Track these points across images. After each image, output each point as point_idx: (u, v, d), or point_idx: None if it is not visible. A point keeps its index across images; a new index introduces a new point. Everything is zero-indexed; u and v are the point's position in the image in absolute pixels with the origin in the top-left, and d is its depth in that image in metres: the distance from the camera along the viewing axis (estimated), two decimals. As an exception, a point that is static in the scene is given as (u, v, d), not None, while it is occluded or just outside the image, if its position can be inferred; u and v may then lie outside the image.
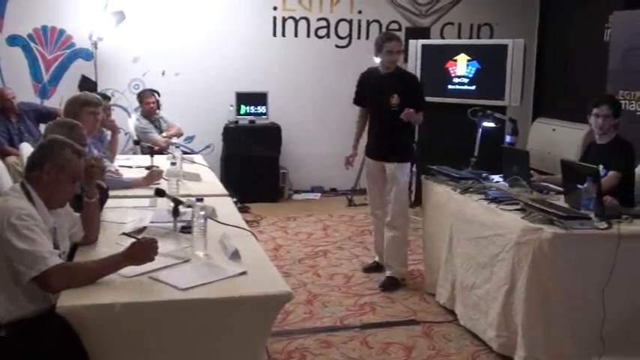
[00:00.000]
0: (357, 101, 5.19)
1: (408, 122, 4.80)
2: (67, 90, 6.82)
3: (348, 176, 7.58)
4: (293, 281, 4.86)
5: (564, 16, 7.90)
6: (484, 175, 4.49)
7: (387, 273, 4.91)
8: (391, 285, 4.80)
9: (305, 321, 4.18)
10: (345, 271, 5.16)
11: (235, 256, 2.76)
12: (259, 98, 7.52)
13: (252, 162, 7.26)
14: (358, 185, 7.59)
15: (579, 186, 3.55)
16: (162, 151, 5.76)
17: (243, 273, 2.57)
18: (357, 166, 7.45)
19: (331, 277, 5.04)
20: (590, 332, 3.30)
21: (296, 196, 7.74)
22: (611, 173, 4.08)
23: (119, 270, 2.47)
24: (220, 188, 4.23)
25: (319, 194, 7.88)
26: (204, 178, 4.49)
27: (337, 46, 7.99)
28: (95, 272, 2.44)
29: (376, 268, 5.13)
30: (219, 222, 3.11)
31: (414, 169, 6.35)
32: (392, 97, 4.78)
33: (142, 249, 2.50)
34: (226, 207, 3.68)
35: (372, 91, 4.95)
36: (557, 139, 7.21)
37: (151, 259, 2.50)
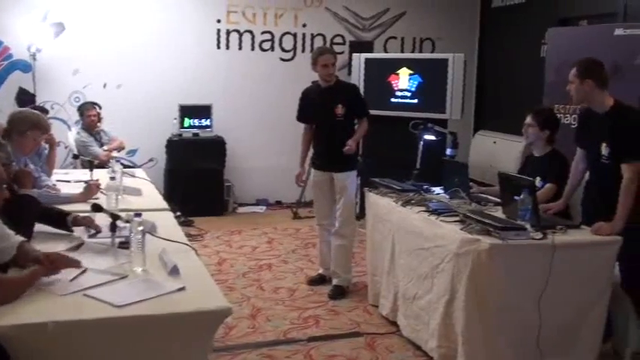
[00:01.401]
0: (300, 118, 5.25)
1: (353, 132, 4.98)
2: (4, 102, 6.66)
3: (293, 189, 7.54)
4: (237, 295, 4.83)
5: (503, 31, 8.11)
6: (425, 187, 4.55)
7: (334, 282, 4.98)
8: (338, 294, 4.89)
9: (248, 335, 4.15)
10: (289, 285, 5.14)
11: (174, 271, 2.72)
12: (203, 111, 7.48)
13: (197, 175, 7.20)
14: (303, 198, 7.60)
15: (516, 197, 3.64)
16: (102, 166, 5.64)
17: (182, 289, 2.53)
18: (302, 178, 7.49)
19: (275, 290, 5.02)
20: (527, 341, 3.37)
21: (241, 210, 7.70)
22: (547, 186, 4.18)
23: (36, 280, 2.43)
24: (161, 202, 4.17)
25: (264, 207, 7.86)
26: (144, 193, 4.42)
27: (282, 59, 8.01)
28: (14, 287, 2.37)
29: (320, 280, 5.15)
30: (158, 237, 3.06)
31: (359, 181, 6.41)
32: (337, 108, 4.93)
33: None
34: (167, 221, 3.62)
35: (316, 105, 5.04)
36: (498, 152, 7.36)
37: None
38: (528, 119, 4.34)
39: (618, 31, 5.21)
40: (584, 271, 3.44)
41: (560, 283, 3.34)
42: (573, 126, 5.48)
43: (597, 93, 3.69)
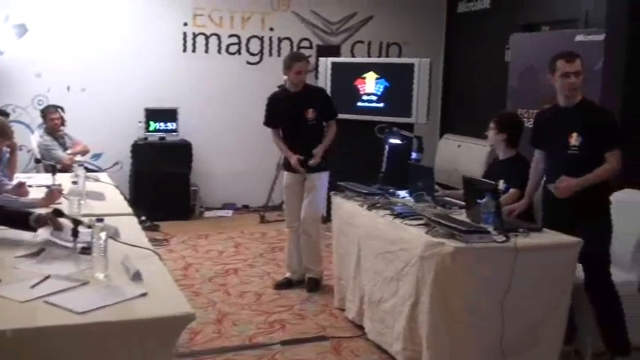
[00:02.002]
0: (269, 123, 5.26)
1: (323, 134, 5.09)
2: (-36, 106, 6.52)
3: (260, 193, 7.61)
4: (202, 300, 4.80)
5: (469, 36, 8.20)
6: (391, 190, 4.58)
7: (308, 275, 5.12)
8: (314, 286, 5.05)
9: (213, 341, 4.12)
10: (255, 289, 5.13)
11: (137, 277, 2.69)
12: (169, 114, 7.42)
13: (162, 179, 7.14)
14: (271, 201, 7.60)
15: (479, 201, 3.68)
16: (66, 170, 5.58)
17: (144, 294, 2.50)
18: (269, 182, 7.50)
19: (241, 295, 5.00)
20: (491, 343, 3.39)
21: (207, 214, 7.65)
22: (511, 191, 4.24)
23: None
24: (125, 207, 4.12)
25: (231, 211, 7.82)
26: (108, 197, 4.36)
27: (249, 63, 7.99)
28: None
29: (287, 284, 5.14)
30: (121, 242, 3.03)
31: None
32: (307, 112, 5.01)
33: None
34: (130, 226, 3.57)
35: (286, 110, 5.07)
36: (463, 155, 7.44)
37: None
38: (491, 123, 4.42)
39: (579, 37, 5.32)
40: (546, 272, 3.48)
41: (522, 285, 3.38)
42: (537, 130, 5.58)
43: None
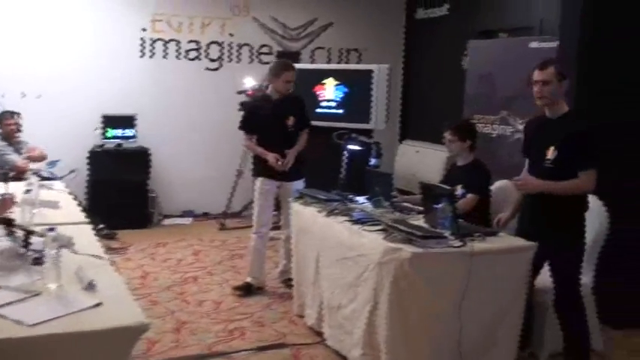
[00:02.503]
0: (244, 128, 5.21)
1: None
2: None
3: (220, 199, 7.56)
4: (160, 309, 4.74)
5: (427, 42, 8.29)
6: (350, 196, 4.59)
7: (289, 276, 5.04)
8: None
9: (171, 350, 4.07)
10: (214, 297, 5.08)
11: (90, 287, 2.65)
12: (127, 121, 7.33)
13: (120, 187, 7.04)
14: (231, 208, 7.56)
15: (436, 206, 3.72)
16: (20, 178, 5.46)
17: (98, 305, 2.46)
18: (229, 189, 7.45)
19: (200, 303, 4.95)
20: (449, 347, 3.43)
21: (166, 221, 7.56)
22: (469, 196, 4.29)
23: None
24: (79, 216, 4.05)
25: (190, 219, 7.73)
26: (63, 206, 4.26)
27: (208, 69, 7.94)
28: None
29: (247, 288, 5.11)
30: (74, 252, 2.97)
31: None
32: (288, 120, 5.05)
33: None
34: (85, 235, 3.51)
35: (267, 116, 5.07)
36: (422, 161, 7.50)
37: None
38: (448, 135, 4.46)
39: (533, 44, 5.42)
40: (502, 276, 3.53)
41: (479, 288, 3.42)
42: (493, 135, 5.67)
43: (563, 96, 3.67)
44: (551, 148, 3.59)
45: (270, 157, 4.98)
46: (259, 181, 5.17)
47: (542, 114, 3.76)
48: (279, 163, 4.97)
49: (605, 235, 4.02)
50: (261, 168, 5.15)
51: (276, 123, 5.05)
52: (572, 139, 3.52)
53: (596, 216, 3.94)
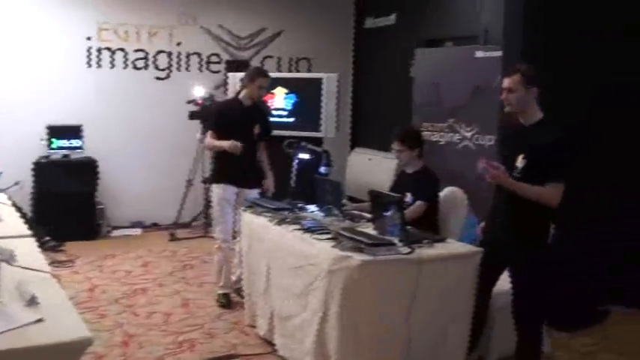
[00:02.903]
0: (216, 130, 5.09)
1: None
2: None
3: (170, 210, 7.46)
4: (108, 323, 4.65)
5: (376, 51, 8.37)
6: (300, 205, 4.59)
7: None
8: None
9: (119, 364, 4.00)
10: (164, 309, 5.01)
11: (32, 302, 2.57)
12: (73, 131, 7.18)
13: (67, 198, 6.88)
14: (181, 218, 7.47)
15: (385, 214, 3.75)
16: (-40, 190, 5.29)
17: (40, 320, 2.39)
18: (179, 199, 7.37)
19: (149, 315, 4.87)
20: (398, 353, 3.44)
21: (115, 233, 7.41)
22: (417, 203, 4.33)
23: None
24: (22, 229, 3.94)
25: (140, 229, 7.61)
26: (4, 218, 4.15)
27: (157, 78, 7.85)
28: None
29: (229, 301, 5.06)
30: (16, 266, 2.89)
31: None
32: (255, 128, 5.06)
33: None
34: (28, 249, 3.41)
35: (236, 122, 5.02)
36: (373, 168, 7.56)
37: None
38: (396, 145, 4.49)
39: (479, 54, 5.52)
40: (449, 282, 3.56)
41: (427, 295, 3.45)
42: (441, 143, 5.75)
43: (534, 103, 3.48)
44: (520, 157, 3.42)
45: (229, 144, 4.85)
46: (220, 187, 5.08)
47: (517, 120, 3.59)
48: (238, 147, 4.84)
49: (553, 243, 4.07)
50: (223, 174, 5.09)
51: (243, 130, 5.00)
52: (542, 149, 3.35)
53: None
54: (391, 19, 8.05)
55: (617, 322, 4.95)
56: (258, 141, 5.16)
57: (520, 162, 3.42)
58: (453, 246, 3.76)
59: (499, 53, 5.20)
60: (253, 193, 5.08)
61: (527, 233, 3.47)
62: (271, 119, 6.79)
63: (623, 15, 5.09)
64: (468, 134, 5.55)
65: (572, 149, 3.41)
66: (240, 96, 5.10)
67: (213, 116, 5.24)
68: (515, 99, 3.46)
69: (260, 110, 5.23)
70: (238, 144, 4.84)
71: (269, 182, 5.22)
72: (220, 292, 5.13)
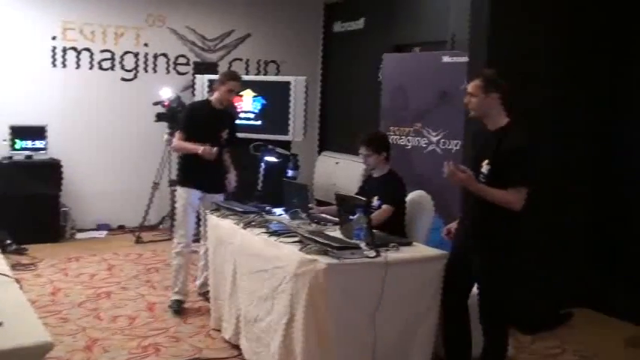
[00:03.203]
0: (186, 132, 5.02)
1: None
2: None
3: (136, 212, 7.38)
4: (71, 327, 4.58)
5: (344, 55, 8.40)
6: (267, 208, 4.59)
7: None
8: None
9: (82, 369, 3.94)
10: (129, 313, 4.95)
11: (-9, 306, 2.53)
12: (37, 132, 7.07)
13: (30, 200, 6.76)
14: (147, 221, 7.40)
15: (351, 217, 3.76)
16: None
17: (-1, 324, 2.35)
18: (145, 201, 7.30)
19: (114, 319, 4.81)
20: (363, 356, 3.45)
21: (80, 235, 7.31)
22: (383, 207, 4.35)
23: None
24: (-18, 231, 3.88)
25: (105, 232, 7.53)
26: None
27: (123, 79, 7.77)
28: None
29: (180, 308, 4.98)
30: (-26, 269, 2.84)
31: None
32: (222, 132, 5.01)
33: None
34: (-12, 252, 3.36)
35: (204, 125, 4.96)
36: (341, 172, 7.58)
37: None
38: (363, 150, 4.49)
39: (445, 59, 5.57)
40: (415, 285, 3.59)
41: (393, 298, 3.47)
42: (408, 147, 5.78)
43: (497, 108, 3.49)
44: (485, 162, 3.44)
45: (201, 149, 4.76)
46: (185, 191, 5.00)
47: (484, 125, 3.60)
48: (211, 152, 4.76)
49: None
50: (188, 177, 5.03)
51: (211, 133, 4.94)
52: (503, 155, 3.37)
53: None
54: (360, 23, 8.09)
55: (579, 324, 5.02)
56: (226, 146, 5.10)
57: (485, 167, 3.44)
58: (418, 249, 3.79)
59: (465, 59, 5.25)
60: (216, 198, 5.02)
61: (493, 236, 3.47)
62: (239, 122, 6.82)
63: (589, 23, 5.21)
64: (435, 139, 5.59)
65: (531, 155, 3.43)
66: (212, 98, 5.06)
67: (183, 117, 5.17)
68: (475, 103, 3.50)
69: (230, 115, 5.19)
70: (213, 149, 4.78)
71: (231, 177, 5.14)
72: (174, 298, 5.02)
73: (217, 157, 4.92)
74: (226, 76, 5.00)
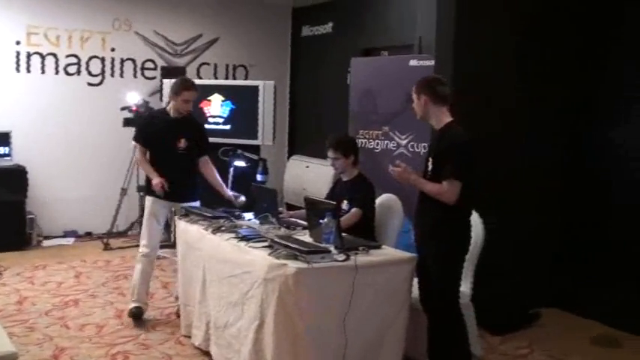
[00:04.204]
0: (139, 140, 5.01)
1: (194, 163, 4.94)
2: None
3: (104, 219, 7.30)
4: (38, 336, 4.51)
5: (313, 59, 8.41)
6: (236, 213, 4.56)
7: None
8: None
9: (49, 379, 3.88)
10: (97, 321, 4.89)
11: (-46, 316, 2.49)
12: (1, 138, 6.94)
13: (-6, 207, 6.65)
14: (115, 227, 7.32)
15: (321, 221, 3.76)
16: None
17: (-39, 335, 2.31)
18: (113, 207, 7.22)
19: (82, 327, 4.74)
20: (335, 360, 3.46)
21: (46, 243, 7.19)
22: (352, 210, 4.36)
23: None
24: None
25: (72, 239, 7.43)
26: None
27: (89, 84, 7.68)
28: None
29: (140, 314, 4.91)
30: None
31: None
32: (179, 141, 4.83)
33: None
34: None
35: (159, 134, 4.88)
36: (311, 176, 7.58)
37: None
38: (331, 153, 4.52)
39: (413, 62, 5.60)
40: (384, 288, 3.59)
41: (363, 302, 3.47)
42: (377, 150, 5.81)
43: (432, 108, 3.67)
44: (430, 160, 3.68)
45: (156, 181, 4.74)
46: (149, 200, 4.95)
47: None
48: (163, 188, 4.73)
49: (482, 245, 4.17)
50: (150, 186, 4.95)
51: (166, 141, 4.84)
52: (443, 150, 3.58)
53: (472, 227, 4.09)
54: (328, 27, 8.12)
55: (548, 323, 5.07)
56: (190, 156, 4.92)
57: (430, 165, 3.67)
58: (388, 252, 3.80)
59: (432, 62, 5.29)
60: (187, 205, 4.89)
61: (435, 229, 3.63)
62: (207, 126, 6.78)
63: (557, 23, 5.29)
64: (404, 142, 5.62)
65: (464, 149, 3.57)
66: (168, 107, 4.97)
67: (137, 127, 5.08)
68: (415, 107, 3.77)
69: (190, 123, 4.96)
70: (164, 185, 4.70)
71: (238, 198, 4.95)
72: (132, 305, 4.92)
73: (179, 167, 4.84)
74: (181, 87, 4.80)
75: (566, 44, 5.37)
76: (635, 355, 4.61)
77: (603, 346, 4.67)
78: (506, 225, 4.69)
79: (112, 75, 7.77)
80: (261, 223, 4.28)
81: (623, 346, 4.68)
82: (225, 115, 6.83)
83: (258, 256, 3.62)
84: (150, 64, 7.98)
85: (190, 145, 4.88)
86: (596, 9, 5.31)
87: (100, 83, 7.73)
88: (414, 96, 3.75)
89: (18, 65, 7.29)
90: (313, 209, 3.99)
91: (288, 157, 8.50)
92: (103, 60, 7.73)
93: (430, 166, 3.66)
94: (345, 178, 4.63)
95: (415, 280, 3.78)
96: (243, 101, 6.77)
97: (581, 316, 5.21)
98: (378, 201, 4.63)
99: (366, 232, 4.26)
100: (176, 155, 4.84)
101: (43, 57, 7.40)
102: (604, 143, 5.32)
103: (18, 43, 7.27)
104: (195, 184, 5.01)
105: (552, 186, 5.42)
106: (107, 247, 7.07)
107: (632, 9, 5.13)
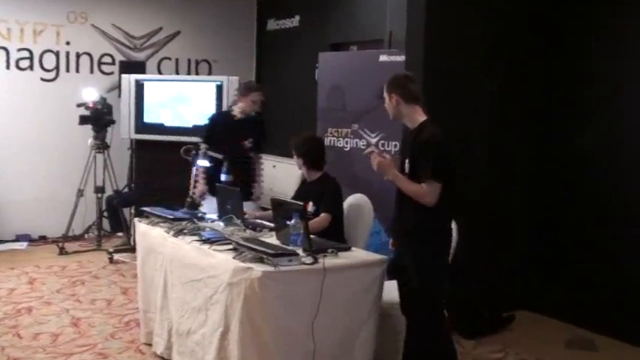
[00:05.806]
0: (209, 142, 5.16)
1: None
2: None
3: (59, 221, 6.98)
4: (-13, 347, 4.25)
5: (279, 54, 8.22)
6: (200, 214, 4.40)
7: None
8: None
9: (-2, 393, 3.63)
10: (52, 329, 4.66)
11: None
12: (-52, 137, 6.63)
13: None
14: (71, 231, 7.01)
15: (288, 222, 3.59)
16: None
17: None
18: (69, 209, 6.92)
19: (35, 336, 4.52)
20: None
21: (-3, 247, 6.91)
22: (322, 216, 4.20)
23: None
24: None
25: (25, 243, 7.14)
26: None
27: (43, 80, 7.40)
28: None
29: None
30: None
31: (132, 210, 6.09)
32: (246, 140, 5.22)
33: None
34: None
35: (228, 134, 5.13)
36: (278, 175, 7.39)
37: None
38: (294, 154, 4.44)
39: (383, 58, 5.44)
40: (354, 292, 3.46)
41: (332, 305, 3.34)
42: (346, 149, 5.64)
43: (404, 107, 3.50)
44: (407, 160, 3.49)
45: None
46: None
47: None
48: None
49: (456, 249, 4.02)
50: None
51: (234, 143, 5.07)
52: (417, 149, 3.42)
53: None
54: (295, 21, 7.94)
55: (521, 326, 4.99)
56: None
57: (407, 165, 3.49)
58: (357, 254, 3.68)
59: (403, 57, 5.14)
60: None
61: (415, 233, 3.45)
62: (168, 125, 6.58)
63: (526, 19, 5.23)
64: (374, 140, 5.46)
65: (439, 149, 3.39)
66: (234, 108, 5.31)
67: (206, 128, 5.36)
68: (387, 107, 3.59)
69: (255, 123, 5.37)
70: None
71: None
72: None
73: (240, 167, 5.11)
74: (250, 88, 5.29)
75: (535, 38, 5.30)
76: (610, 359, 4.53)
77: (578, 349, 4.59)
78: (475, 227, 4.56)
79: (68, 70, 7.52)
80: (225, 225, 4.09)
81: (598, 349, 4.61)
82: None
83: (223, 260, 3.48)
84: (107, 59, 7.73)
85: (254, 144, 5.30)
86: (562, 11, 5.26)
87: (55, 79, 7.47)
88: (385, 96, 3.57)
89: (-34, 60, 6.98)
90: (280, 210, 3.82)
91: (255, 156, 8.28)
92: (57, 54, 7.46)
93: (407, 168, 3.46)
94: (309, 179, 4.49)
95: (387, 283, 3.63)
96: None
97: (554, 319, 5.15)
98: (347, 201, 4.50)
99: (335, 234, 4.13)
100: (241, 155, 5.19)
101: (-7, 51, 7.10)
102: (570, 144, 5.26)
103: (-34, 36, 6.96)
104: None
105: (521, 187, 5.35)
106: (63, 252, 6.77)
107: (598, 12, 5.08)
